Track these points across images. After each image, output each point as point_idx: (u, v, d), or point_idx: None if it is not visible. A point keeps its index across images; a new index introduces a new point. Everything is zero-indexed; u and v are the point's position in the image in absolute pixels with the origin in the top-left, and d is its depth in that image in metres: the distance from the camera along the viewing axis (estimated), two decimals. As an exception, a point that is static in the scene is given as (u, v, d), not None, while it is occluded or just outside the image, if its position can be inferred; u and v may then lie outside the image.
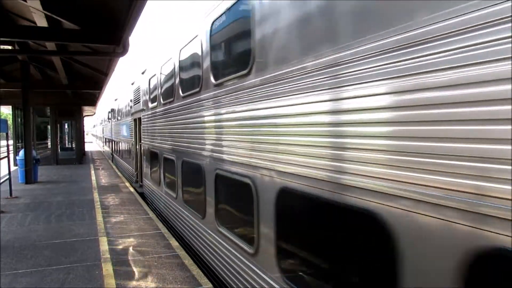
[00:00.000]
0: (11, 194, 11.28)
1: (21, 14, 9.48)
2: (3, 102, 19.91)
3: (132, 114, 13.97)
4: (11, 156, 15.00)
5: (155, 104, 9.26)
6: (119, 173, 17.91)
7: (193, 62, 6.22)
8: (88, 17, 8.54)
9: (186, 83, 6.69)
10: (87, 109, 32.75)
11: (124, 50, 9.49)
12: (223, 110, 4.82)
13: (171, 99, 7.53)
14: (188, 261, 5.95)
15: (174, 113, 7.37)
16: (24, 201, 10.87)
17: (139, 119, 12.26)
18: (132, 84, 13.99)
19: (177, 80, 7.09)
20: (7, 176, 11.31)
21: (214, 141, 5.25)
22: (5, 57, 13.74)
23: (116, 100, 22.23)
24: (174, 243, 6.87)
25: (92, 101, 25.00)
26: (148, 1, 6.88)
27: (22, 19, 9.88)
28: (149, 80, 10.06)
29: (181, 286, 5.05)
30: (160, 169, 9.06)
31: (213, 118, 5.29)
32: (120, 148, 20.11)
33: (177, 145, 7.28)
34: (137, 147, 13.44)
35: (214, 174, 5.25)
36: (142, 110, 11.34)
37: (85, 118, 37.47)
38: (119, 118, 20.08)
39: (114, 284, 5.08)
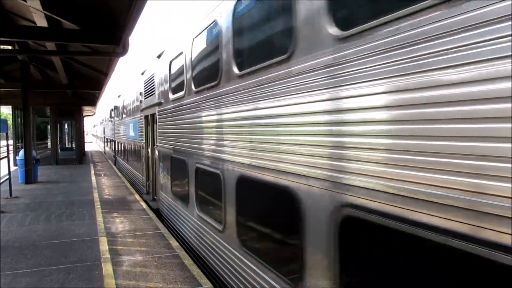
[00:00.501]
0: (11, 194, 11.28)
1: (21, 14, 9.48)
2: (3, 102, 19.91)
3: (142, 110, 11.39)
4: (11, 156, 15.00)
5: (180, 93, 6.86)
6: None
7: (270, 14, 3.70)
8: (88, 17, 8.54)
9: (251, 54, 4.15)
10: (87, 109, 32.76)
11: (124, 50, 9.49)
12: (376, 88, 2.29)
13: (214, 83, 5.04)
14: (188, 261, 5.95)
15: (221, 103, 4.86)
16: (24, 201, 10.87)
17: (152, 116, 9.92)
18: (143, 73, 11.47)
19: (227, 53, 4.55)
20: (7, 176, 11.31)
21: (331, 149, 2.71)
22: (5, 57, 13.74)
23: (119, 96, 19.81)
24: (174, 243, 6.87)
25: (92, 101, 25.00)
26: (148, 1, 6.90)
27: (22, 19, 9.88)
28: (170, 63, 7.67)
29: (181, 286, 5.05)
30: (190, 183, 6.46)
31: (333, 106, 2.70)
32: (125, 151, 17.27)
33: (226, 152, 4.74)
34: (149, 150, 11.04)
35: (336, 216, 2.66)
36: (158, 104, 8.86)
37: (85, 118, 37.48)
38: (123, 116, 17.26)
39: (114, 284, 5.08)
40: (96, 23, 8.73)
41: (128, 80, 16.58)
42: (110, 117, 24.39)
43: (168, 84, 7.88)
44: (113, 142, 24.26)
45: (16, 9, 9.22)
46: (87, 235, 7.35)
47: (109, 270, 5.55)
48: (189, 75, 6.36)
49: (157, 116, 9.03)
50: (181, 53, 6.86)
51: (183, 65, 6.72)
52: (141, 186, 12.46)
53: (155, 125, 9.71)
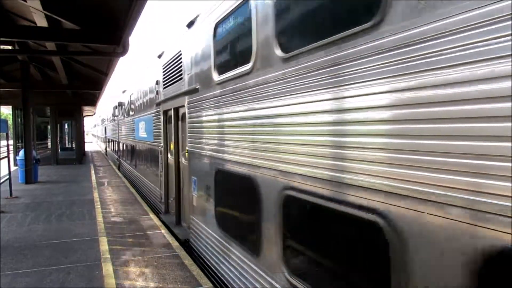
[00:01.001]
0: (11, 194, 11.28)
1: (21, 14, 9.49)
2: (3, 102, 19.93)
3: (159, 103, 8.95)
4: (11, 156, 15.00)
5: (242, 69, 4.23)
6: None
7: None
8: (88, 17, 8.55)
9: None
10: (87, 109, 32.78)
11: (124, 50, 9.50)
12: None
13: (367, 22, 2.40)
14: (188, 261, 5.95)
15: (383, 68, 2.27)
16: (24, 201, 10.87)
17: (177, 110, 7.64)
18: (160, 56, 9.00)
19: None
20: (7, 176, 11.32)
21: None
22: (5, 57, 13.75)
23: (124, 92, 17.30)
24: (174, 243, 6.87)
25: (92, 101, 25.02)
26: (148, 1, 6.90)
27: (22, 19, 9.89)
28: (216, 27, 5.14)
29: (181, 286, 5.05)
30: (267, 221, 3.77)
31: None
32: (133, 155, 14.59)
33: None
34: (169, 156, 8.54)
35: None
36: (189, 92, 6.33)
37: (85, 118, 37.51)
38: (131, 113, 14.66)
39: (114, 284, 5.08)
40: (96, 23, 8.74)
41: (130, 76, 15.82)
42: (113, 115, 21.62)
43: (211, 60, 5.33)
44: (116, 144, 21.54)
45: (16, 9, 9.22)
46: (87, 235, 7.35)
47: (109, 270, 5.54)
48: (264, 34, 3.71)
49: (187, 109, 6.52)
50: (242, 3, 4.29)
51: (247, 21, 4.16)
52: (157, 202, 9.89)
53: (181, 122, 7.42)
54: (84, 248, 6.56)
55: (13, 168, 13.73)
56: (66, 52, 11.80)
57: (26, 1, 7.40)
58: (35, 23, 8.79)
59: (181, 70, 7.00)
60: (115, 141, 22.11)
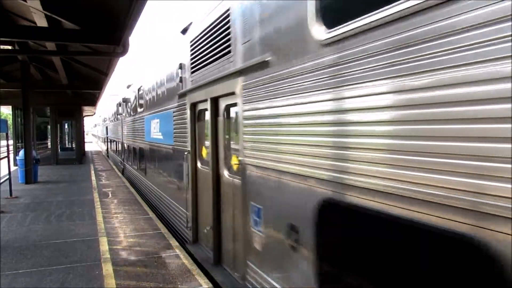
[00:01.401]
0: (11, 194, 11.28)
1: (21, 14, 9.49)
2: (3, 102, 19.92)
3: (183, 95, 6.97)
4: (11, 156, 15.00)
5: None
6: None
7: None
8: (88, 17, 8.55)
9: None
10: (87, 109, 32.78)
11: (124, 50, 9.50)
12: None
13: None
14: (188, 261, 5.96)
15: None
16: (24, 201, 10.87)
17: (215, 101, 5.49)
18: (185, 31, 6.89)
19: None
20: (7, 176, 11.32)
21: None
22: (5, 57, 13.75)
23: (130, 86, 15.40)
24: (174, 243, 6.87)
25: (92, 101, 25.03)
26: (148, 1, 6.90)
27: (22, 19, 9.89)
28: None
29: (181, 286, 5.05)
30: None
31: None
32: (142, 159, 12.45)
33: None
34: (200, 165, 6.45)
35: None
36: (244, 72, 4.24)
37: (85, 118, 37.50)
38: (139, 109, 12.45)
39: (114, 284, 5.08)
40: (96, 23, 8.74)
41: (134, 72, 14.99)
42: (116, 113, 19.55)
43: (308, 5, 2.96)
44: (120, 145, 19.62)
45: (16, 9, 9.22)
46: (87, 235, 7.35)
47: (109, 270, 5.54)
48: None
49: (242, 98, 4.31)
50: None
51: None
52: (179, 225, 7.63)
53: (222, 118, 5.39)
54: (84, 248, 6.56)
55: (13, 168, 13.72)
56: (66, 52, 11.80)
57: (26, 1, 7.40)
58: (35, 23, 8.79)
59: (228, 39, 4.80)
60: (119, 142, 20.18)
